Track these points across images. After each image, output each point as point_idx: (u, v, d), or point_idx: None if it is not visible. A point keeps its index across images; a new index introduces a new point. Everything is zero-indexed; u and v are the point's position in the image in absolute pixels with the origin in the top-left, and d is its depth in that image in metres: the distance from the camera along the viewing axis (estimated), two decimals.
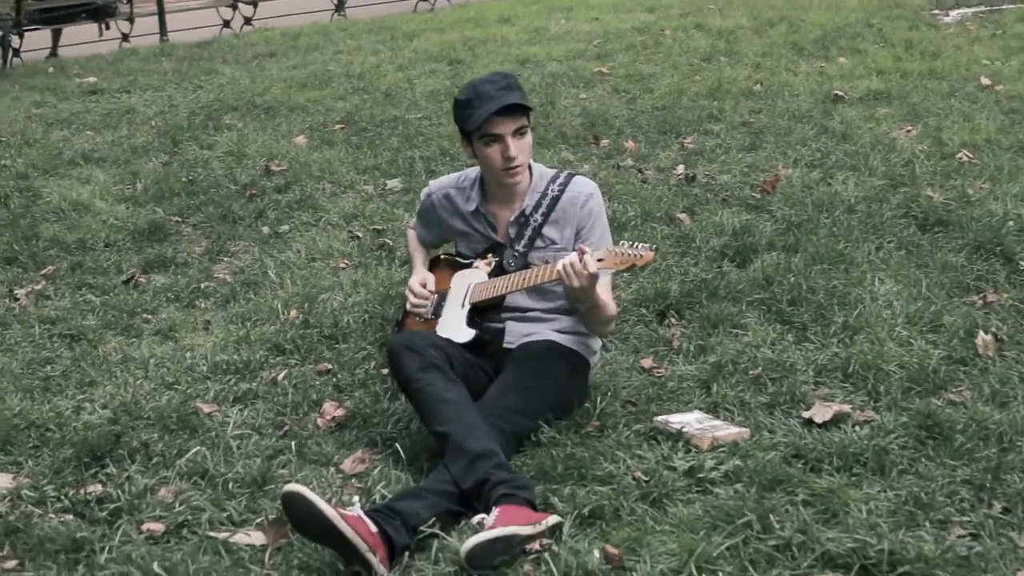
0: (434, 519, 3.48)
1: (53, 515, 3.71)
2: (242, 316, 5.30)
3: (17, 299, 5.71)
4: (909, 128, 7.90)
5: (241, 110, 9.87)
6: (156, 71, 12.29)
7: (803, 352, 4.62)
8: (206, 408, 4.38)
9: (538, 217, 4.28)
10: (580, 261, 3.88)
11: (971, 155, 7.13)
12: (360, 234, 6.41)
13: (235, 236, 6.56)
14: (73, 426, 4.26)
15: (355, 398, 4.44)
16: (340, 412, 4.31)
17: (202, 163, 8.09)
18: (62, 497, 3.80)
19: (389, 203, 6.99)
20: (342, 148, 8.28)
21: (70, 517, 3.70)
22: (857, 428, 4.00)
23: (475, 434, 3.71)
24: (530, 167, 4.32)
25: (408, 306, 4.42)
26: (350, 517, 3.27)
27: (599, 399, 4.26)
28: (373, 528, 3.30)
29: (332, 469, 3.93)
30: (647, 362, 4.63)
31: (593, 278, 3.90)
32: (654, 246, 3.92)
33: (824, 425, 4.03)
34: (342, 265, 5.94)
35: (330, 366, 4.72)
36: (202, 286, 5.76)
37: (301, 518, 3.27)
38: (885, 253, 5.60)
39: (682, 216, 6.30)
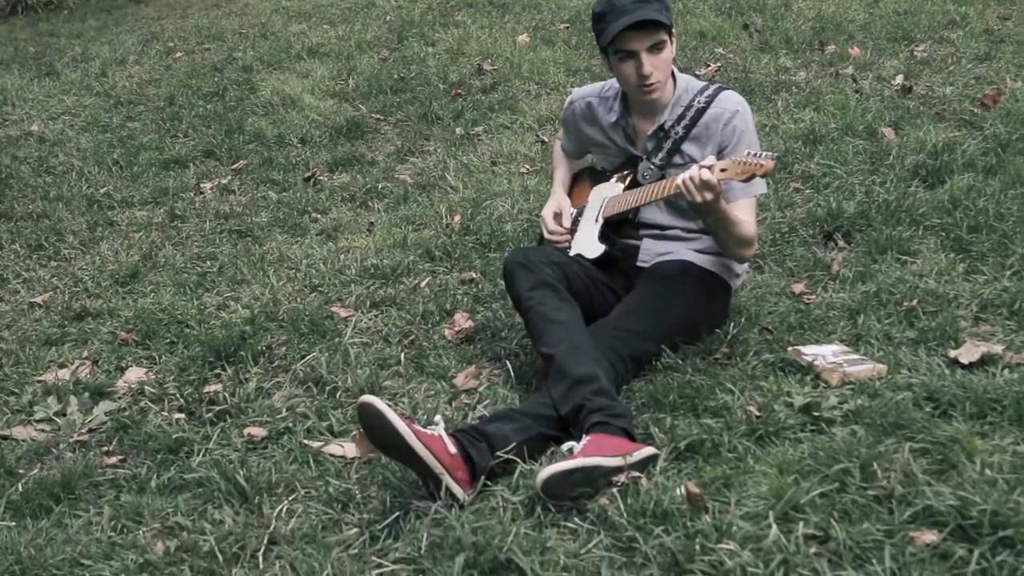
0: (521, 443, 3.36)
1: (167, 413, 3.76)
2: (407, 219, 5.27)
3: (202, 192, 5.83)
4: None
5: (476, 6, 9.81)
6: None
7: (971, 284, 4.27)
8: (343, 313, 4.37)
9: (679, 130, 4.06)
10: (699, 173, 3.66)
11: None
12: (547, 138, 6.27)
13: (429, 136, 6.53)
14: (210, 324, 4.31)
15: (490, 310, 4.35)
16: (469, 324, 4.23)
17: (419, 60, 8.08)
18: (180, 395, 3.86)
19: None
20: (560, 48, 8.13)
21: (181, 416, 3.75)
22: (1006, 372, 3.67)
23: (580, 357, 3.56)
24: (675, 77, 4.09)
25: (545, 235, 4.29)
26: (425, 435, 3.19)
27: (735, 325, 4.04)
28: (452, 449, 3.22)
29: (444, 383, 3.84)
30: (799, 287, 4.37)
31: (714, 191, 3.67)
32: (775, 154, 3.65)
33: (970, 366, 3.71)
34: (522, 170, 5.83)
35: (474, 275, 4.63)
36: (379, 186, 5.76)
37: (376, 431, 3.19)
38: None
39: (886, 130, 5.93)
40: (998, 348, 3.79)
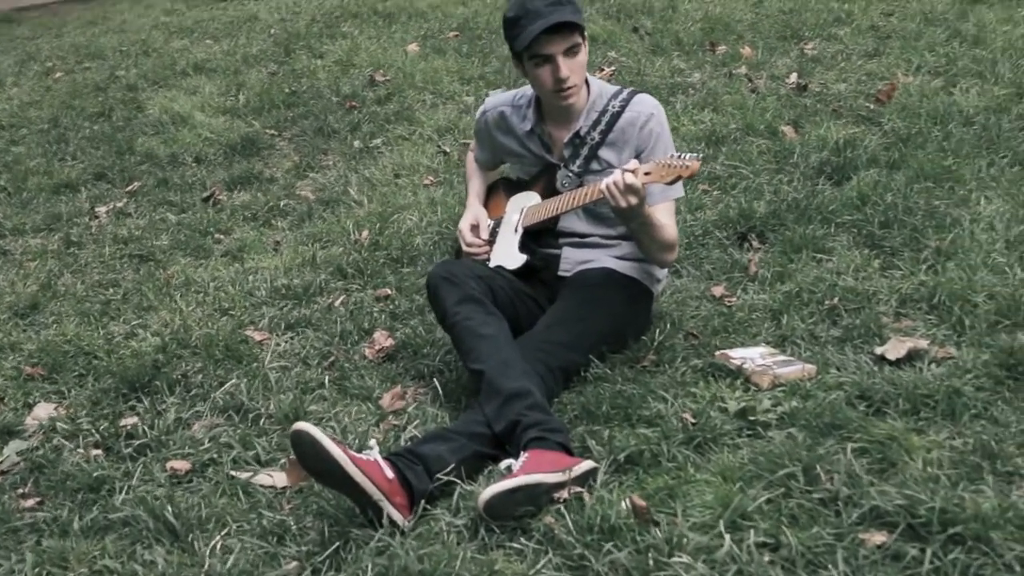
0: (458, 464, 3.27)
1: (83, 450, 3.62)
2: (313, 236, 5.16)
3: (97, 217, 5.67)
4: None
5: (361, 16, 9.69)
6: None
7: (888, 280, 4.29)
8: (257, 336, 4.26)
9: (595, 136, 4.01)
10: (622, 178, 3.61)
11: None
12: (448, 149, 6.20)
13: (327, 150, 6.42)
14: (120, 354, 4.17)
15: (409, 327, 4.27)
16: (389, 342, 4.14)
17: (309, 73, 7.95)
18: (95, 431, 3.72)
19: None
20: (451, 57, 8.06)
21: (98, 452, 3.62)
22: (933, 366, 3.68)
23: (510, 372, 3.49)
24: (588, 84, 4.04)
25: (462, 250, 4.22)
26: (361, 460, 3.09)
27: (659, 331, 4.01)
28: (390, 474, 3.12)
29: (370, 405, 3.75)
30: (719, 290, 4.36)
31: (639, 195, 3.62)
32: (700, 155, 3.61)
33: (897, 362, 3.72)
34: (426, 182, 5.75)
35: (389, 292, 4.55)
36: (281, 204, 5.64)
37: (309, 459, 3.09)
38: (997, 170, 5.18)
39: (786, 129, 5.95)
40: (923, 343, 3.80)
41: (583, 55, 3.92)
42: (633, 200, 3.61)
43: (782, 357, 3.83)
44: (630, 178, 3.58)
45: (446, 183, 5.73)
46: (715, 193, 5.13)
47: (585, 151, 4.02)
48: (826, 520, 2.97)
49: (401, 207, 5.34)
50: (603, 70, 7.36)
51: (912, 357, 3.75)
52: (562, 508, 3.08)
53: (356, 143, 6.42)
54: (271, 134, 6.74)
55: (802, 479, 3.11)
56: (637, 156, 3.97)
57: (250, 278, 4.77)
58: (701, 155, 3.59)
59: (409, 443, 3.42)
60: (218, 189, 5.84)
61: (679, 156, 3.58)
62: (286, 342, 4.22)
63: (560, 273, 4.04)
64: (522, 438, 3.31)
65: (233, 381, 3.89)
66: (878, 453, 3.23)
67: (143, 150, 6.60)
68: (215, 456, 3.51)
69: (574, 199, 3.87)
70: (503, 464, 3.28)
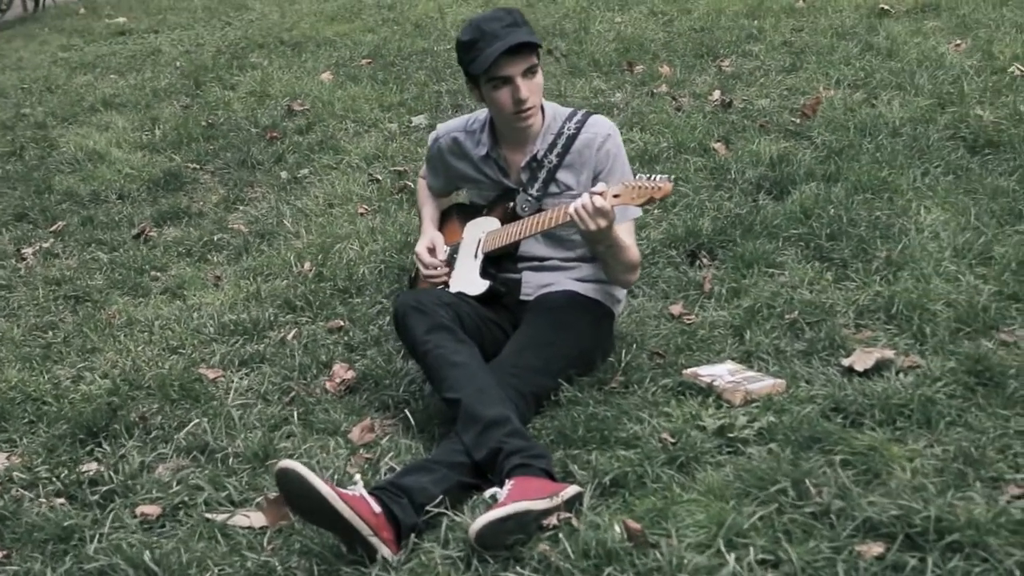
0: (443, 495, 3.21)
1: (44, 499, 3.49)
2: (254, 270, 5.06)
3: (24, 259, 5.50)
4: (958, 42, 7.49)
5: (268, 47, 9.62)
6: (186, 8, 12.08)
7: (843, 292, 4.31)
8: (211, 374, 4.15)
9: (552, 159, 3.98)
10: (591, 200, 3.59)
11: (1023, 69, 6.73)
12: (380, 177, 6.14)
13: (253, 182, 6.32)
14: (71, 398, 4.05)
15: (367, 358, 4.20)
16: (350, 374, 4.06)
17: (223, 105, 7.84)
18: (55, 478, 3.58)
19: (412, 141, 6.72)
20: (367, 84, 8.00)
21: (61, 501, 3.49)
22: (901, 376, 3.70)
23: (487, 399, 3.44)
24: (542, 107, 4.01)
25: (421, 274, 4.16)
26: (349, 496, 3.02)
27: (624, 351, 3.98)
28: (377, 509, 3.05)
29: (339, 439, 3.67)
30: (676, 308, 4.35)
31: (608, 218, 3.60)
32: (671, 176, 3.60)
33: (865, 373, 3.73)
34: (361, 211, 5.69)
35: (342, 323, 4.47)
36: (215, 238, 5.52)
37: (296, 497, 3.02)
38: (932, 179, 5.26)
39: (717, 146, 5.98)
40: (889, 353, 3.82)
41: (540, 76, 3.90)
42: (602, 223, 3.59)
43: (750, 373, 3.82)
44: (599, 201, 3.56)
45: (382, 211, 5.66)
46: (656, 212, 5.12)
47: (543, 174, 3.99)
48: (821, 534, 2.96)
49: (340, 237, 5.26)
50: None
51: (879, 367, 3.76)
52: (551, 535, 3.03)
53: (283, 174, 6.33)
54: (193, 168, 6.61)
55: (791, 494, 3.10)
56: (595, 178, 3.97)
57: (194, 315, 4.65)
58: (672, 177, 3.57)
59: (389, 476, 3.34)
60: (147, 225, 5.70)
61: (649, 178, 3.56)
62: (241, 379, 4.12)
63: (522, 298, 4.00)
64: (505, 465, 3.26)
65: (196, 421, 3.77)
66: (861, 464, 3.23)
67: (62, 188, 6.43)
68: (185, 499, 3.41)
69: (538, 223, 3.84)
70: (488, 493, 3.22)
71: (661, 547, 2.93)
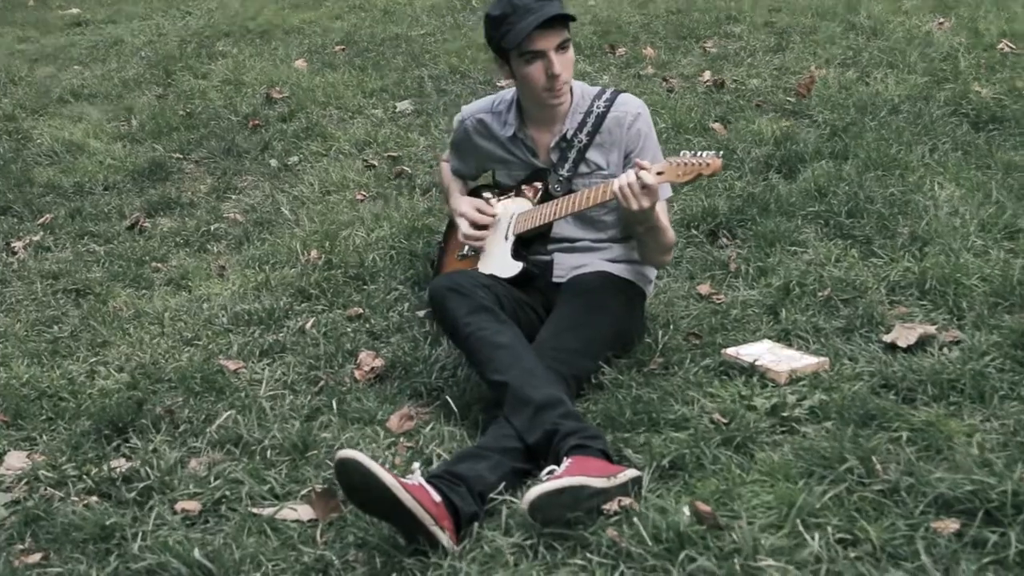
0: (498, 482, 3.11)
1: (76, 498, 3.35)
2: (259, 259, 4.93)
3: (15, 252, 5.34)
4: (941, 20, 7.50)
5: (234, 36, 9.46)
6: None
7: (872, 268, 4.26)
8: (231, 365, 4.02)
9: (583, 138, 3.90)
10: (637, 177, 3.50)
11: (1012, 45, 6.73)
12: (375, 162, 6.02)
13: (241, 171, 6.18)
14: (88, 393, 3.91)
15: (392, 345, 4.09)
16: (379, 362, 3.95)
17: (199, 94, 7.68)
18: (84, 476, 3.44)
19: (401, 127, 6.61)
20: (345, 71, 7.87)
21: (95, 499, 3.34)
22: (945, 351, 3.65)
23: (535, 381, 3.34)
24: (570, 85, 3.92)
25: (461, 236, 4.04)
26: (411, 486, 2.91)
27: (660, 332, 3.90)
28: (437, 498, 2.95)
29: (377, 428, 3.55)
30: (704, 288, 4.27)
31: (653, 195, 3.52)
32: (720, 151, 3.52)
33: (909, 349, 3.68)
34: (359, 197, 5.58)
35: (361, 310, 4.35)
36: (212, 228, 5.39)
37: (357, 488, 2.91)
38: (940, 155, 5.23)
39: (716, 126, 5.93)
40: (931, 329, 3.76)
41: (571, 51, 3.81)
42: (646, 202, 3.51)
43: (791, 351, 3.75)
44: (648, 177, 3.47)
45: (380, 197, 5.55)
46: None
47: (573, 154, 3.91)
48: (893, 512, 2.89)
49: (344, 224, 5.15)
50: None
51: (922, 343, 3.71)
52: (621, 519, 2.94)
53: (272, 162, 6.20)
54: (177, 157, 6.47)
55: (856, 472, 3.03)
56: (626, 156, 3.89)
57: (204, 306, 4.53)
58: (720, 152, 3.49)
59: (442, 464, 3.24)
60: (140, 216, 5.55)
61: (695, 154, 3.49)
62: (264, 369, 3.99)
63: (554, 279, 3.91)
64: (562, 446, 3.16)
65: (227, 414, 3.64)
66: (922, 441, 3.17)
67: (43, 180, 6.26)
68: (227, 493, 3.28)
69: (574, 203, 3.75)
70: (545, 471, 3.11)
71: (734, 529, 2.84)
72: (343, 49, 8.49)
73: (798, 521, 2.84)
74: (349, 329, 4.22)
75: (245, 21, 9.95)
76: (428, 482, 3.00)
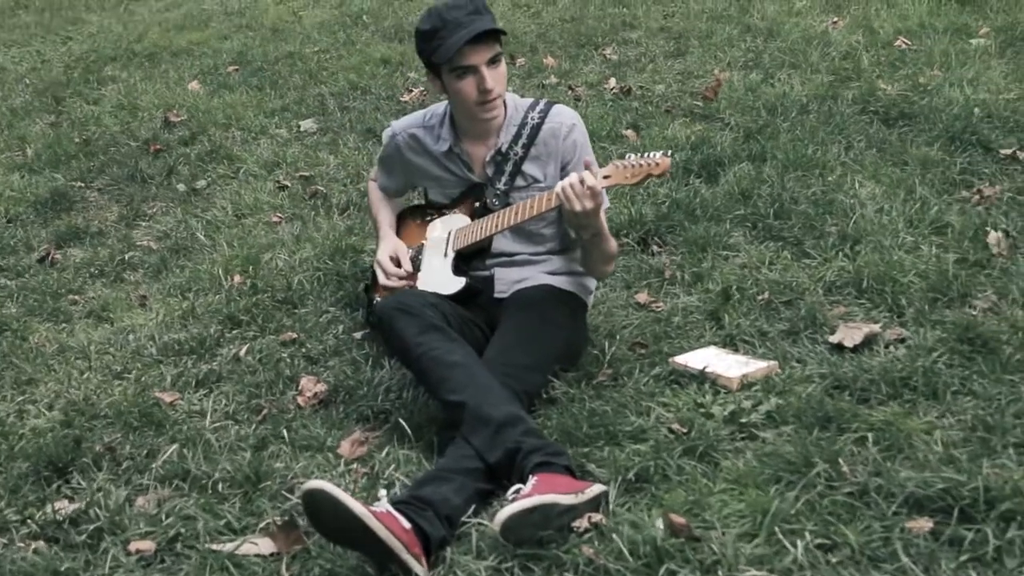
0: (464, 504, 3.06)
1: (22, 544, 3.22)
2: (181, 287, 4.80)
3: None
4: (835, 20, 7.59)
5: (121, 60, 9.23)
6: (16, 25, 11.49)
7: (806, 269, 4.28)
8: (167, 397, 3.90)
9: (518, 151, 3.86)
10: (580, 181, 3.47)
11: (909, 41, 6.84)
12: (288, 183, 5.92)
13: (148, 197, 6.02)
14: (20, 434, 3.75)
15: (332, 369, 4.01)
16: (321, 387, 3.86)
17: (93, 120, 7.47)
18: (27, 520, 3.31)
19: (308, 146, 6.50)
20: (242, 91, 7.74)
21: (42, 544, 3.21)
22: (892, 349, 3.67)
23: (492, 399, 3.29)
24: (503, 99, 3.88)
25: (381, 283, 3.98)
26: (381, 514, 2.84)
27: (605, 344, 3.87)
28: (406, 524, 2.88)
29: (329, 455, 3.47)
30: (642, 297, 4.26)
31: (598, 198, 3.49)
32: (669, 151, 3.50)
33: (856, 349, 3.69)
34: (275, 219, 5.47)
35: (295, 335, 4.26)
36: (127, 256, 5.23)
37: (326, 519, 2.84)
38: (856, 153, 5.29)
39: (628, 133, 5.92)
40: (876, 328, 3.78)
41: (503, 65, 3.77)
42: (589, 203, 3.48)
43: (739, 357, 3.75)
44: (590, 179, 3.45)
45: (296, 218, 5.45)
46: None
47: (509, 167, 3.87)
48: (866, 514, 2.89)
49: (264, 247, 5.04)
50: (411, 91, 7.19)
51: (868, 342, 3.73)
52: (594, 535, 2.90)
53: (180, 186, 6.05)
54: (79, 186, 6.28)
55: (823, 476, 3.02)
56: (562, 168, 3.86)
57: (130, 337, 4.39)
58: (670, 152, 3.47)
59: (405, 490, 3.17)
60: (50, 248, 5.38)
61: (642, 155, 3.47)
62: (200, 400, 3.88)
63: (496, 295, 3.86)
64: (526, 464, 3.11)
65: (172, 448, 3.53)
66: (883, 441, 3.18)
67: None
68: (181, 531, 3.17)
69: (515, 214, 3.71)
70: (511, 491, 3.06)
71: (711, 540, 2.82)
72: (237, 69, 8.35)
73: (777, 528, 2.82)
74: (285, 354, 4.12)
75: (130, 44, 9.73)
76: (395, 508, 2.93)
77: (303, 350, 4.15)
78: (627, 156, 3.54)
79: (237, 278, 4.77)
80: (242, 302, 4.52)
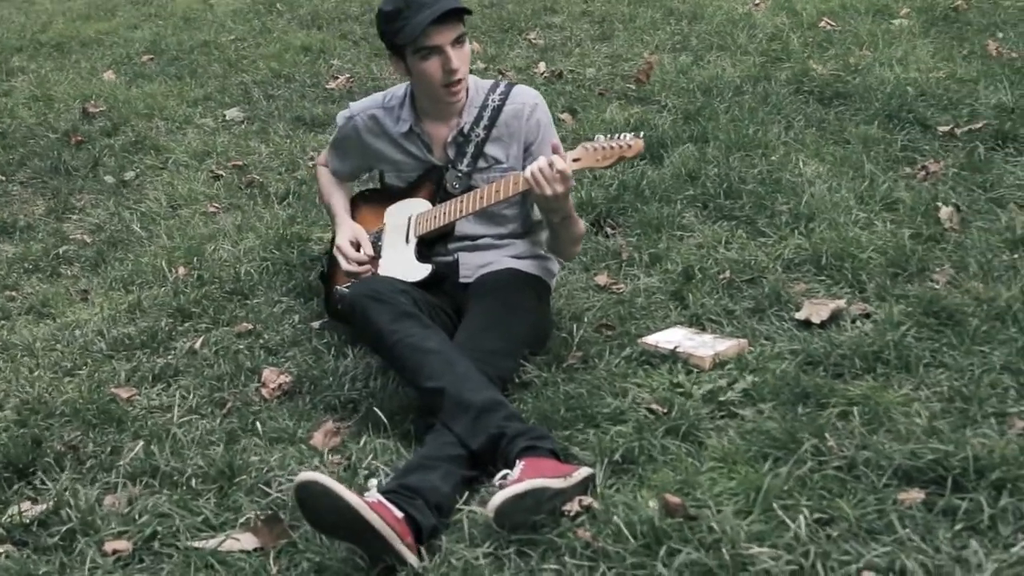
0: (453, 492, 3.02)
1: None
2: (123, 280, 4.68)
3: None
4: (758, 2, 7.63)
5: (27, 50, 9.00)
6: None
7: (763, 248, 4.29)
8: (123, 393, 3.80)
9: (480, 132, 3.81)
10: (549, 164, 3.43)
11: (833, 23, 6.90)
12: (222, 172, 5.80)
13: (75, 190, 5.87)
14: None
15: (293, 359, 3.93)
16: (283, 378, 3.78)
17: (7, 112, 7.25)
18: None
19: (237, 136, 6.38)
20: (161, 81, 7.58)
21: (10, 547, 3.09)
22: (859, 324, 3.69)
23: (471, 384, 3.24)
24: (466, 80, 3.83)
25: (343, 270, 3.91)
26: (375, 504, 2.79)
27: (572, 326, 3.84)
28: (398, 514, 2.83)
29: (301, 447, 3.39)
30: (602, 279, 4.24)
31: (567, 181, 3.46)
32: (640, 133, 3.47)
33: (823, 325, 3.70)
34: (211, 209, 5.36)
35: (250, 326, 4.17)
36: (61, 251, 5.09)
37: (321, 511, 2.77)
38: (796, 132, 5.32)
39: (564, 116, 5.89)
40: (841, 303, 3.79)
41: (468, 46, 3.73)
42: (559, 187, 3.44)
43: (706, 336, 3.74)
44: (560, 163, 3.41)
45: (234, 208, 5.35)
46: None
47: (471, 149, 3.82)
48: (857, 488, 2.89)
49: (205, 238, 4.93)
50: (337, 79, 7.09)
51: (834, 318, 3.74)
52: (587, 518, 2.87)
53: (108, 178, 5.91)
54: (0, 180, 6.09)
55: (809, 451, 3.02)
56: (525, 149, 3.82)
57: (76, 332, 4.26)
58: (642, 133, 3.44)
59: (391, 478, 3.10)
60: None
61: (613, 137, 3.44)
62: (159, 395, 3.79)
63: (461, 280, 3.81)
64: (511, 449, 3.07)
65: (139, 443, 3.43)
66: (863, 415, 3.18)
67: None
68: (157, 529, 3.08)
69: (480, 198, 3.66)
70: (498, 476, 3.02)
71: (707, 518, 2.80)
72: (152, 59, 8.17)
73: (775, 505, 2.80)
74: (242, 346, 4.03)
75: (35, 34, 9.48)
76: (385, 497, 2.88)
77: (260, 341, 4.07)
78: (596, 138, 3.50)
79: (182, 270, 4.66)
80: (191, 294, 4.41)
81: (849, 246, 4.10)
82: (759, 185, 4.73)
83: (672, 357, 3.61)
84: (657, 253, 4.32)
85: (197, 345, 4.06)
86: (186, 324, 4.25)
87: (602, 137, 3.48)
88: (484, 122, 3.81)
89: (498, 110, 3.82)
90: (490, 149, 3.82)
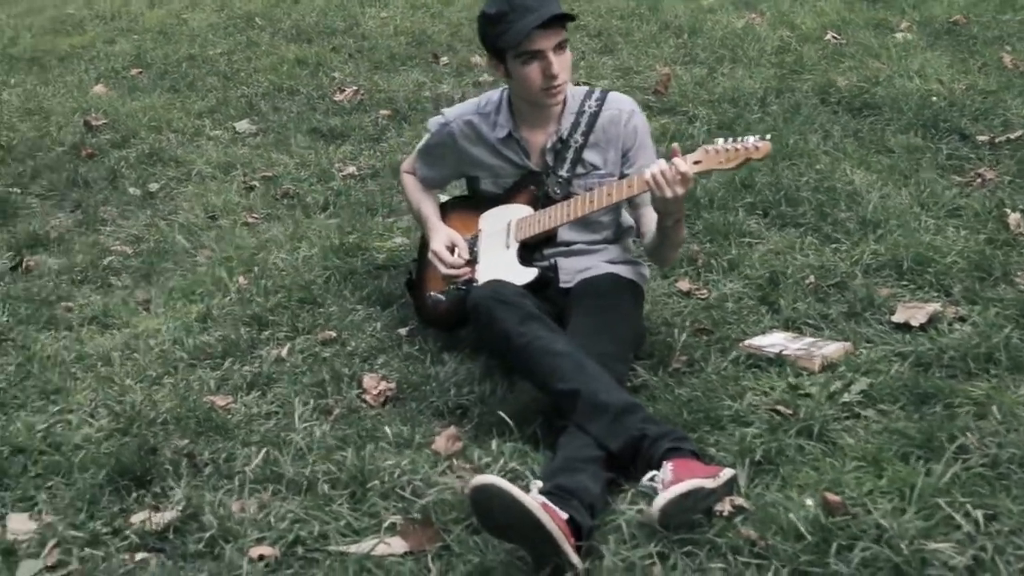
0: (604, 493, 3.02)
1: (126, 556, 3.04)
2: (182, 290, 4.61)
3: None
4: (753, 15, 7.71)
5: (6, 61, 8.85)
6: None
7: (838, 254, 4.33)
8: (219, 401, 3.74)
9: (578, 138, 3.82)
10: (670, 167, 3.43)
11: (838, 36, 7.00)
12: (255, 183, 5.74)
13: (99, 202, 5.77)
14: (74, 444, 3.54)
15: (388, 366, 3.89)
16: (384, 385, 3.75)
17: (5, 126, 7.12)
18: (118, 531, 3.12)
19: (254, 147, 6.32)
20: (158, 94, 7.49)
21: (147, 555, 3.03)
22: (957, 326, 3.73)
23: (605, 386, 3.24)
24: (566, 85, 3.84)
25: (442, 275, 3.89)
26: (545, 506, 2.77)
27: (675, 331, 3.85)
28: (563, 515, 2.82)
29: (426, 452, 3.36)
30: (683, 284, 4.25)
31: (688, 182, 3.45)
32: (767, 135, 3.48)
33: (923, 328, 3.74)
34: (250, 220, 5.30)
35: (333, 333, 4.12)
36: (105, 261, 5.00)
37: (496, 514, 2.76)
38: (836, 142, 5.38)
39: None
40: (936, 306, 3.84)
41: (569, 52, 3.74)
42: (680, 189, 3.44)
43: (808, 339, 3.77)
44: (683, 165, 3.41)
45: (273, 218, 5.30)
46: None
47: (570, 155, 3.82)
48: (1012, 485, 2.92)
49: (255, 248, 4.87)
50: (344, 91, 7.05)
51: (932, 321, 3.78)
52: (738, 521, 2.88)
53: (133, 190, 5.82)
54: (16, 192, 5.98)
55: (952, 450, 3.05)
56: (623, 155, 3.84)
57: (150, 342, 4.19)
58: (768, 136, 3.45)
59: (544, 480, 3.08)
60: (24, 254, 5.11)
61: (736, 140, 3.45)
62: (256, 403, 3.73)
63: (562, 285, 3.81)
64: (655, 451, 3.07)
65: (265, 451, 3.38)
66: (992, 415, 3.21)
67: None
68: (300, 534, 3.04)
69: (588, 203, 3.65)
70: (646, 477, 3.03)
71: (870, 516, 2.82)
72: (140, 72, 8.07)
73: (941, 502, 2.82)
74: (328, 354, 3.99)
75: (5, 49, 9.33)
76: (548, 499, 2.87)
77: (347, 348, 4.03)
78: (716, 141, 3.51)
79: (242, 279, 4.60)
80: (267, 303, 4.35)
81: (928, 251, 4.15)
82: (814, 193, 4.77)
83: (778, 360, 3.63)
84: (734, 259, 4.34)
85: (284, 353, 4.01)
86: (264, 333, 4.19)
87: (722, 140, 3.49)
88: (582, 128, 3.82)
89: (595, 116, 3.83)
90: (588, 155, 3.83)
